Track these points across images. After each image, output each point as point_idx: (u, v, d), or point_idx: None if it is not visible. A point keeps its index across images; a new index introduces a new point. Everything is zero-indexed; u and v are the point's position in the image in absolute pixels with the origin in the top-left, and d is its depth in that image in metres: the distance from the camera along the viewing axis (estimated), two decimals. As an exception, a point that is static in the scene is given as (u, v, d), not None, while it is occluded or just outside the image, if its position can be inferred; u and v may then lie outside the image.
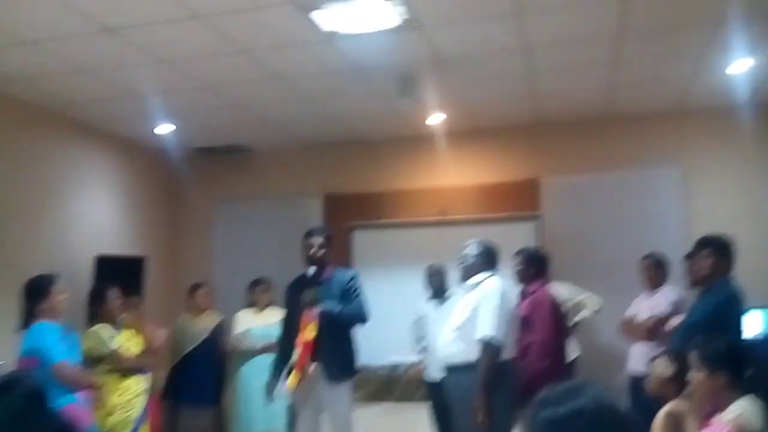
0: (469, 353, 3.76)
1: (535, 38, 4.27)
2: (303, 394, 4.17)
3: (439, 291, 5.16)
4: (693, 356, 2.83)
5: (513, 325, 3.91)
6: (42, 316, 3.76)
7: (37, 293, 3.80)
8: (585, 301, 5.21)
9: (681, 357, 3.41)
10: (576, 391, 1.28)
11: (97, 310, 4.50)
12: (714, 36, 4.30)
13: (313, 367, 4.07)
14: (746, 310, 4.19)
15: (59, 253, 5.46)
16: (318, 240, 4.24)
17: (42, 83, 4.90)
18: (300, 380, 4.03)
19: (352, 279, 4.27)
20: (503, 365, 3.74)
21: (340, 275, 4.28)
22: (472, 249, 4.09)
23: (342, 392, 4.18)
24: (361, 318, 4.24)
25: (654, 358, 3.41)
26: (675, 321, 4.50)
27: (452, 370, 3.92)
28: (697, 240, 4.09)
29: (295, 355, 4.06)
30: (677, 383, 3.22)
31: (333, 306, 4.12)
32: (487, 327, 3.72)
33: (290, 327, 4.21)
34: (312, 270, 4.25)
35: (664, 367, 3.24)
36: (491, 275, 3.99)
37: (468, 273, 4.06)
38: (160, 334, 5.20)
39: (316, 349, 4.05)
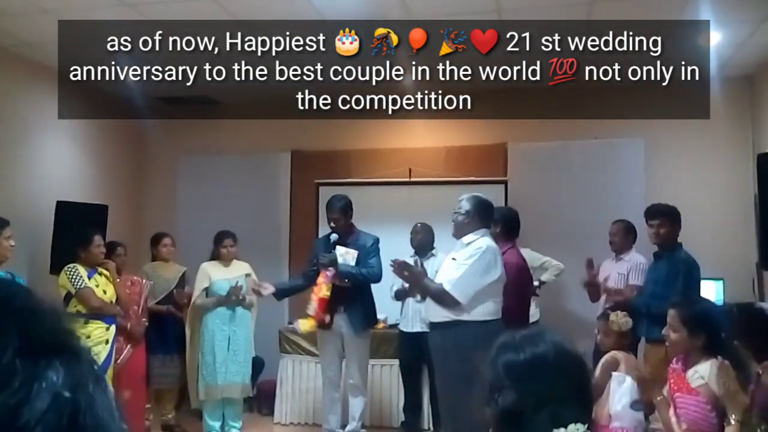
0: (448, 312, 3.73)
1: (509, 6, 4.25)
2: (327, 344, 4.84)
3: (421, 248, 5.22)
4: (673, 315, 2.88)
5: (497, 287, 3.75)
6: None
7: None
8: (545, 264, 5.30)
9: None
10: (536, 337, 1.33)
11: (78, 254, 4.50)
12: (683, 8, 4.35)
13: (327, 320, 4.67)
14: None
15: (19, 198, 5.34)
16: (334, 215, 4.79)
17: (2, 23, 4.72)
18: (312, 328, 4.76)
19: (373, 244, 4.83)
20: (489, 323, 3.60)
21: (363, 238, 4.85)
22: (464, 204, 3.89)
23: (362, 341, 4.83)
24: (375, 277, 4.79)
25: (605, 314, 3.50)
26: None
27: (433, 327, 3.90)
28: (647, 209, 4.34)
29: (312, 308, 4.61)
30: (630, 338, 3.39)
31: (350, 268, 4.69)
32: (450, 280, 3.68)
33: (311, 271, 4.83)
34: (335, 236, 4.79)
35: (624, 322, 3.32)
36: (483, 236, 3.82)
37: (459, 229, 3.88)
38: (143, 286, 5.14)
39: (341, 302, 4.67)
